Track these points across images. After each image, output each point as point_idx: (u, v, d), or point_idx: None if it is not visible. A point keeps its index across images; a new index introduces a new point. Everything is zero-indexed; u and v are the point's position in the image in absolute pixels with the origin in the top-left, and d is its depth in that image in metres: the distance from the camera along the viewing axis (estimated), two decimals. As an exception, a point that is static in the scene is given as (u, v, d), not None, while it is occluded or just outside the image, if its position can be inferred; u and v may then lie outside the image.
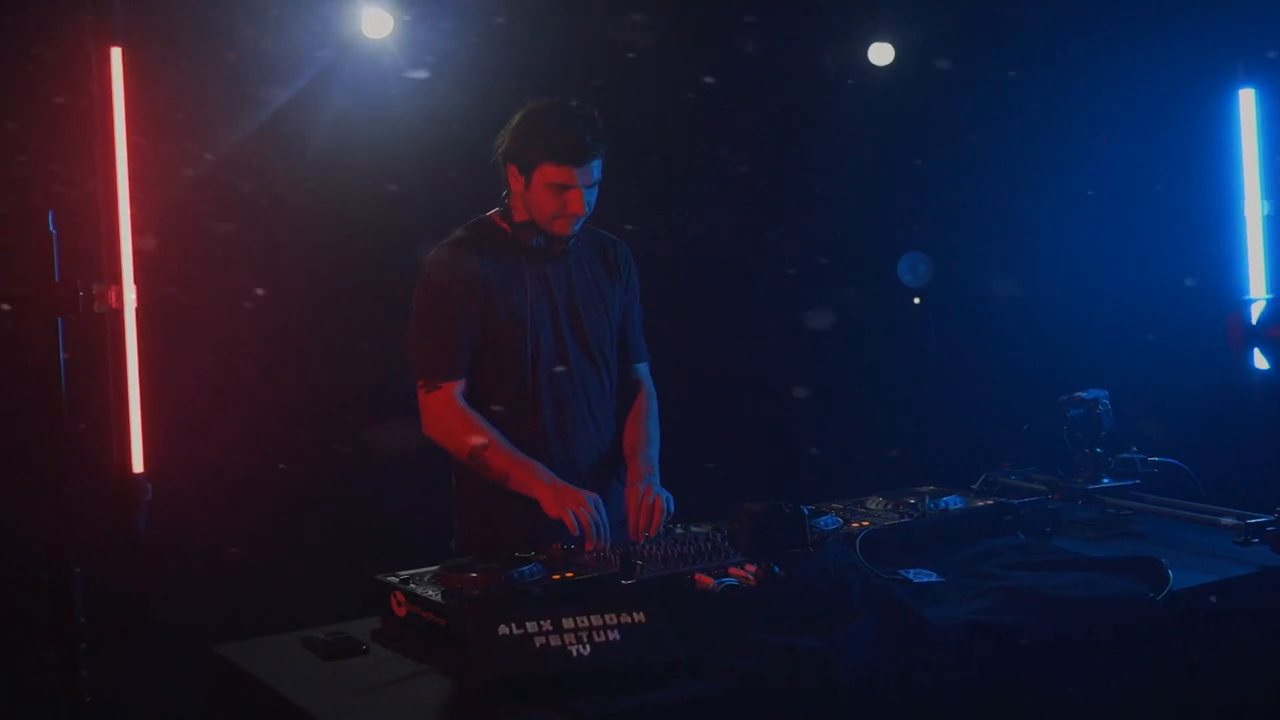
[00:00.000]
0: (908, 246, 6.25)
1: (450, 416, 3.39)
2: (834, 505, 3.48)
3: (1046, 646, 2.70)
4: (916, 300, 6.23)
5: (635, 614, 2.53)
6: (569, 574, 2.84)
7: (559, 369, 3.46)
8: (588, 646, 2.44)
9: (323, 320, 5.03)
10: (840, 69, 6.24)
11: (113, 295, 2.26)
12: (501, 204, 3.49)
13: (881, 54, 6.28)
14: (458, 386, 3.41)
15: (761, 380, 5.98)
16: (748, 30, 5.97)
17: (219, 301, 4.72)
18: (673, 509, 3.35)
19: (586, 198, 3.37)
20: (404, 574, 2.92)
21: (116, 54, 2.26)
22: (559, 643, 2.44)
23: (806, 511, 2.99)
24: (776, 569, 2.83)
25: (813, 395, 6.02)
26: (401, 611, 2.83)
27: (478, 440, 3.34)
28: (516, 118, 3.40)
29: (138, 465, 2.34)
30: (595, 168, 3.35)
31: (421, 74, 5.23)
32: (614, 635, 2.47)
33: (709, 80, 5.91)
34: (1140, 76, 5.29)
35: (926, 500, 3.37)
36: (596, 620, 2.50)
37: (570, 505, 3.16)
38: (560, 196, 3.34)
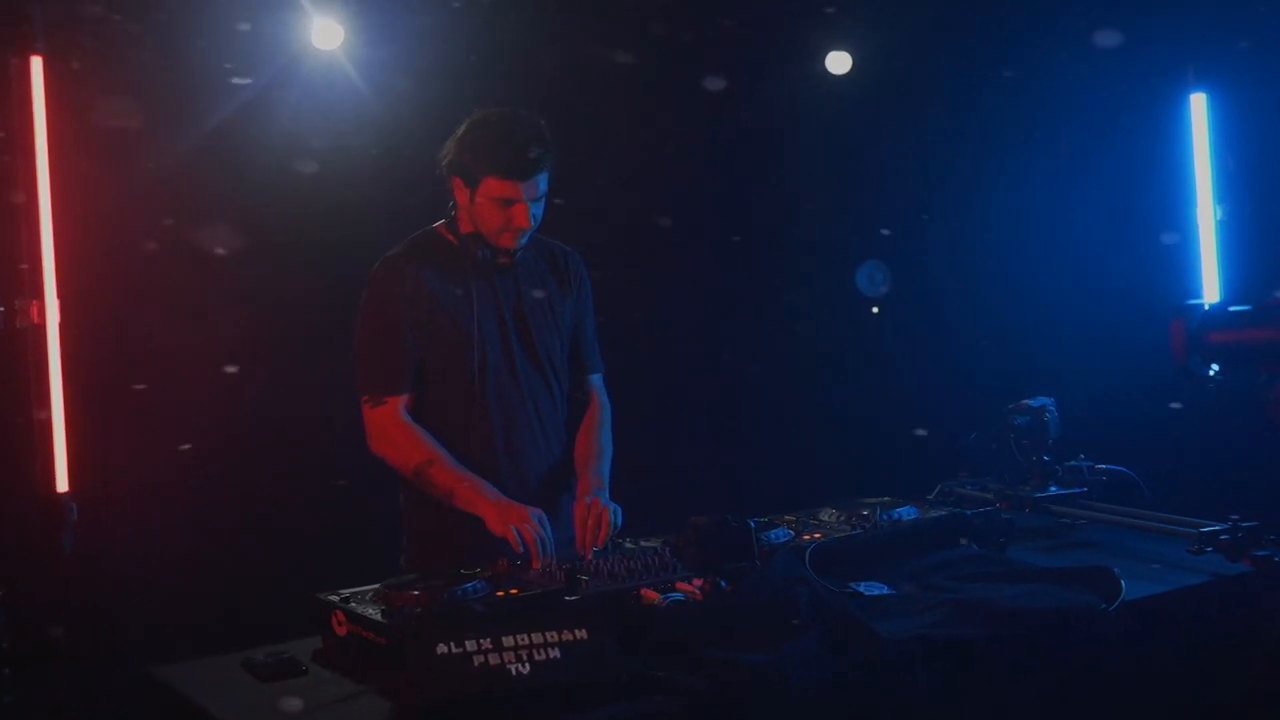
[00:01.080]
0: (865, 256, 6.22)
1: (395, 432, 3.34)
2: (786, 517, 3.43)
3: (998, 659, 2.67)
4: (874, 309, 6.20)
5: (577, 631, 2.48)
6: (513, 591, 2.79)
7: (506, 382, 3.42)
8: (527, 665, 2.39)
9: (259, 333, 4.92)
10: (797, 78, 6.21)
11: (34, 310, 2.20)
12: (448, 215, 3.44)
13: (839, 63, 6.26)
14: (402, 401, 3.36)
15: (717, 390, 5.95)
16: (704, 39, 5.94)
17: (147, 315, 4.60)
18: (620, 522, 3.29)
19: (532, 211, 3.31)
20: (345, 592, 2.85)
21: (37, 63, 2.21)
22: (498, 661, 2.39)
23: (754, 525, 2.94)
24: (723, 583, 2.79)
25: (770, 405, 5.98)
26: (342, 631, 2.77)
27: (421, 457, 3.29)
28: (461, 129, 3.34)
29: (62, 484, 2.27)
30: (541, 181, 3.30)
31: (372, 85, 5.17)
32: (555, 653, 2.42)
33: (666, 90, 5.87)
34: (1093, 82, 5.28)
35: (879, 512, 3.33)
36: (537, 638, 2.44)
37: (514, 522, 3.10)
38: (505, 211, 3.29)
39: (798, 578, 2.81)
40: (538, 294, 3.50)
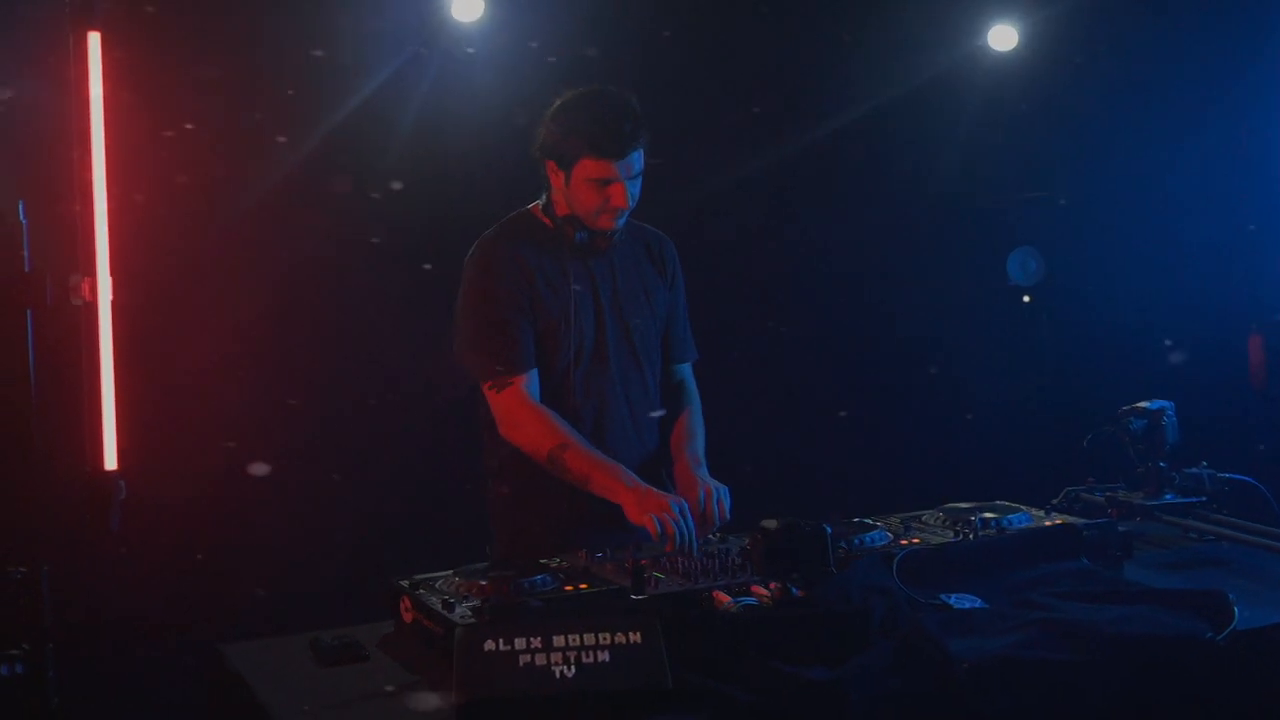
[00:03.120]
0: (1019, 242, 5.96)
1: (524, 416, 3.24)
2: (891, 519, 3.28)
3: (1086, 688, 2.47)
4: (1025, 299, 5.94)
5: (631, 633, 2.37)
6: (582, 586, 2.71)
7: (599, 370, 3.33)
8: (573, 667, 2.30)
9: (317, 313, 4.95)
10: (959, 54, 5.98)
11: (86, 287, 2.20)
12: (543, 197, 3.37)
13: (1003, 38, 6.01)
14: (525, 380, 3.26)
15: (852, 380, 5.78)
16: (856, 12, 5.76)
17: (203, 293, 4.64)
18: (729, 507, 3.21)
19: (629, 190, 3.22)
20: (418, 578, 2.81)
21: (95, 39, 2.20)
22: (544, 662, 2.30)
23: (829, 530, 2.79)
24: (794, 590, 2.65)
25: (906, 398, 5.79)
26: (408, 618, 2.74)
27: (555, 441, 3.19)
28: (551, 110, 3.27)
29: (110, 462, 2.28)
30: (636, 159, 3.20)
31: (511, 60, 5.14)
32: (603, 656, 2.32)
33: (812, 63, 5.71)
34: (1259, 70, 4.96)
35: (976, 520, 3.14)
36: (589, 639, 2.35)
37: (653, 510, 2.98)
38: (602, 191, 3.20)
39: (876, 587, 2.66)
40: (634, 280, 3.42)
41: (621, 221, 3.28)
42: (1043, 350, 5.91)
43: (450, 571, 2.82)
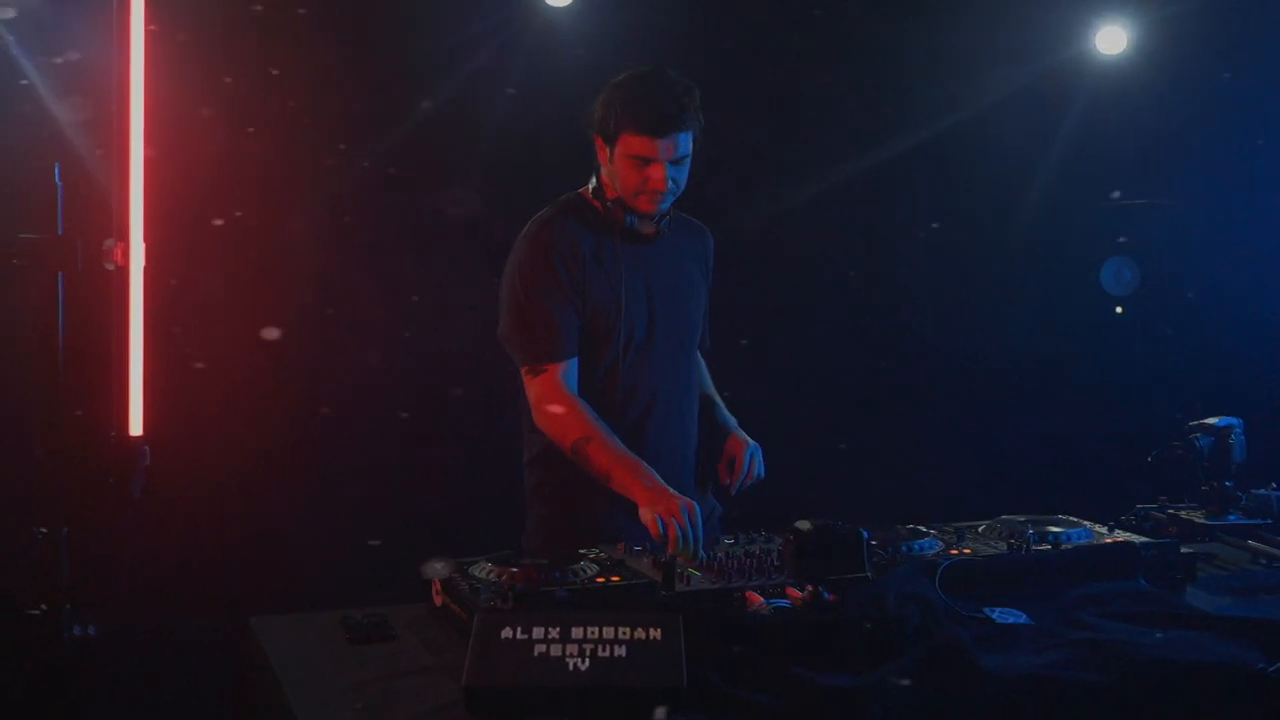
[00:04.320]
0: (1113, 251, 5.79)
1: (555, 404, 3.18)
2: (946, 528, 3.18)
3: (1124, 713, 2.37)
4: (1118, 309, 5.77)
5: (652, 630, 2.31)
6: (614, 578, 2.67)
7: (648, 359, 3.28)
8: (587, 661, 2.25)
9: (354, 290, 4.88)
10: (1065, 57, 5.82)
11: (118, 252, 2.21)
12: (592, 180, 3.31)
13: (1112, 40, 5.83)
14: (562, 368, 3.20)
15: (936, 386, 5.67)
16: (958, 10, 5.63)
17: (237, 262, 4.60)
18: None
19: (670, 174, 3.14)
20: (454, 561, 2.79)
21: (139, 1, 2.21)
22: (559, 654, 2.25)
23: (865, 534, 2.71)
24: (826, 595, 2.58)
25: (996, 408, 5.66)
26: (438, 601, 2.72)
27: (579, 433, 3.12)
28: (606, 87, 3.21)
29: (136, 428, 2.28)
30: (681, 141, 3.12)
31: (603, 47, 5.09)
32: (620, 651, 2.27)
33: (905, 61, 5.60)
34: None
35: (1030, 533, 3.03)
36: (608, 633, 2.29)
37: (660, 511, 2.89)
38: (641, 171, 3.13)
39: (914, 595, 2.57)
40: (684, 270, 3.37)
41: (663, 206, 3.21)
42: (1133, 361, 5.73)
43: (484, 558, 2.79)
